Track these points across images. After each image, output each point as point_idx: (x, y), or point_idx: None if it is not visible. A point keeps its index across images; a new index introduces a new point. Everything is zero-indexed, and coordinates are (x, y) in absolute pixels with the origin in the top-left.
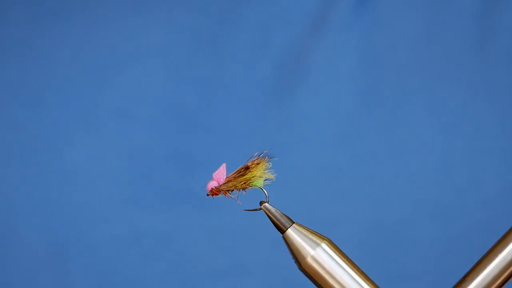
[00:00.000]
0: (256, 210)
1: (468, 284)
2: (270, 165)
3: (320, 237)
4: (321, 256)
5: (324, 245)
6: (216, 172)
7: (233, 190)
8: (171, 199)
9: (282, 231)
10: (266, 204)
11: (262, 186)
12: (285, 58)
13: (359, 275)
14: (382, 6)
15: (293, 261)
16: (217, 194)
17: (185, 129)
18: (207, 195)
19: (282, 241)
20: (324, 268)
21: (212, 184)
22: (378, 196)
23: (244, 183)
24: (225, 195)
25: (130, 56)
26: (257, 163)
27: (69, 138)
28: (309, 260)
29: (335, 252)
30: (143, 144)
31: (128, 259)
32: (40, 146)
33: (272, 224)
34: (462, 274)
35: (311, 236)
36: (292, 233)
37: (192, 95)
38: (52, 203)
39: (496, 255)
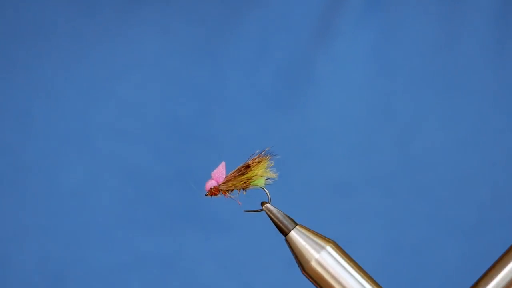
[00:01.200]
0: (257, 211)
1: None
2: (272, 164)
3: (325, 239)
4: (326, 259)
5: (329, 248)
6: (215, 171)
7: (233, 190)
8: (174, 220)
9: (284, 233)
10: (268, 205)
11: (263, 185)
12: (289, 65)
13: (366, 280)
14: (394, 9)
15: (296, 265)
16: (216, 194)
17: (186, 145)
18: (206, 195)
19: (285, 243)
20: (329, 272)
21: (211, 183)
22: (394, 215)
23: (245, 182)
24: (225, 195)
25: (123, 69)
26: (259, 162)
27: (61, 159)
28: (313, 264)
29: (341, 256)
30: (142, 162)
31: (130, 287)
32: (31, 168)
33: (274, 226)
34: None
35: (315, 238)
36: (295, 235)
37: (191, 108)
38: (47, 229)
39: (510, 260)
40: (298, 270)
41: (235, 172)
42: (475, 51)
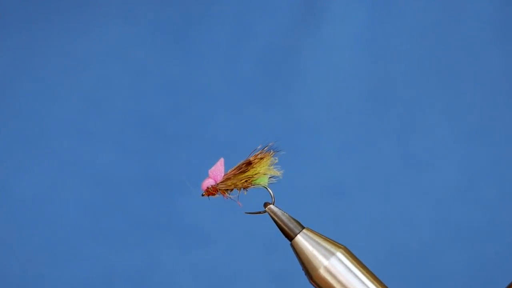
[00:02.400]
0: (259, 213)
1: None
2: (276, 160)
3: (335, 244)
4: (336, 267)
5: (339, 254)
6: (213, 168)
7: (232, 189)
8: (147, 231)
9: (290, 237)
10: (272, 206)
11: (266, 184)
12: (271, 53)
13: None
14: None
15: (303, 272)
16: (213, 194)
17: (157, 145)
18: (202, 195)
19: (291, 249)
20: (339, 281)
21: (208, 182)
22: (392, 218)
23: (246, 181)
24: (223, 195)
25: (84, 60)
26: (261, 158)
27: (18, 164)
28: (322, 272)
29: (352, 263)
30: (109, 165)
31: None
32: None
33: (279, 229)
34: None
35: (324, 243)
36: (302, 240)
37: (162, 103)
38: (5, 243)
39: None
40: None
41: (235, 169)
42: (482, 31)
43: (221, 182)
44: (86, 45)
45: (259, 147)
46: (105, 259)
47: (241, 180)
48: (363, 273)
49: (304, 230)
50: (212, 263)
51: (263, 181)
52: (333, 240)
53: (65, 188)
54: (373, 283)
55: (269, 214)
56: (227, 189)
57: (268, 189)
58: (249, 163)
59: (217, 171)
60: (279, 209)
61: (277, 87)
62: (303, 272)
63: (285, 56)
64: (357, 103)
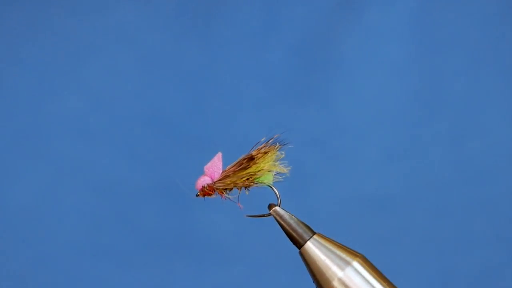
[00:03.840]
0: (263, 216)
1: None
2: (283, 155)
3: (351, 253)
4: (352, 279)
5: (356, 264)
6: (209, 164)
7: (232, 188)
8: (158, 248)
9: (299, 244)
10: (277, 208)
11: (271, 183)
12: (307, 42)
13: None
14: None
15: (313, 285)
16: (210, 195)
17: (172, 148)
18: (197, 195)
19: (300, 258)
20: None
21: (204, 180)
22: (446, 237)
23: (247, 179)
24: (221, 195)
25: (88, 48)
26: (265, 152)
27: (8, 170)
28: (336, 284)
29: (371, 273)
30: (114, 171)
31: None
32: None
33: (286, 235)
34: None
35: (338, 251)
36: (313, 247)
37: (178, 98)
38: None
39: None
40: None
41: (235, 165)
42: None
43: (218, 180)
44: (87, 29)
45: (263, 139)
46: (109, 280)
47: (242, 177)
48: (382, 285)
49: (315, 236)
50: (234, 286)
51: (268, 179)
52: (349, 248)
53: (63, 197)
54: None
55: (274, 217)
56: (226, 189)
57: (273, 188)
58: (251, 158)
59: (214, 168)
60: (286, 211)
61: (312, 82)
62: (313, 285)
63: (322, 45)
64: (405, 102)
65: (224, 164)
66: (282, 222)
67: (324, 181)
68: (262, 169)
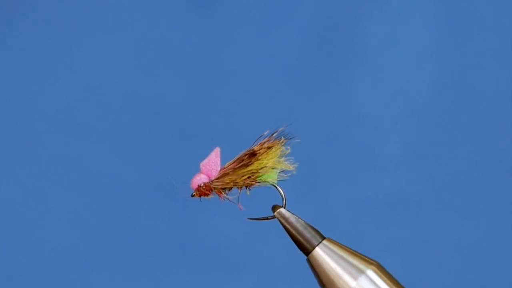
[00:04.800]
0: (266, 218)
1: None
2: (289, 150)
3: (365, 260)
4: None
5: (370, 272)
6: (206, 160)
7: (231, 188)
8: (158, 255)
9: (306, 250)
10: (282, 210)
11: (275, 182)
12: (325, 25)
13: None
14: None
15: None
16: (207, 195)
17: (173, 143)
18: (192, 195)
19: (308, 266)
20: None
21: (200, 179)
22: (477, 243)
23: (249, 177)
24: (219, 195)
25: (75, 31)
26: (268, 147)
27: None
28: None
29: (387, 283)
30: (107, 168)
31: None
32: None
33: (292, 240)
34: None
35: (351, 258)
36: (322, 254)
37: (179, 88)
38: None
39: None
40: None
41: (235, 162)
42: None
43: (216, 179)
44: (77, 10)
45: (266, 133)
46: None
47: (243, 175)
48: None
49: (324, 241)
50: None
51: (272, 177)
52: (362, 255)
53: (49, 198)
54: None
55: (279, 220)
56: (225, 188)
57: (278, 187)
58: (253, 154)
59: (212, 165)
60: (292, 213)
61: (328, 69)
62: None
63: (341, 28)
64: (432, 92)
65: (223, 160)
66: (288, 226)
67: (338, 180)
68: (265, 166)
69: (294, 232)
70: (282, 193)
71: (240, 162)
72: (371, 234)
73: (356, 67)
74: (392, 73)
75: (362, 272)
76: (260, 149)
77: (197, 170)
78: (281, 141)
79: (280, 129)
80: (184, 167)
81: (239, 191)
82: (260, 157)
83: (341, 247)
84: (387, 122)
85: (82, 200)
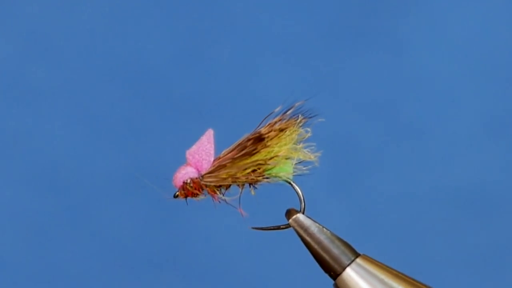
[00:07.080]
0: (279, 228)
1: None
2: (309, 134)
3: (412, 284)
4: None
5: None
6: (195, 147)
7: (229, 186)
8: (129, 271)
9: (334, 272)
10: (300, 217)
11: (291, 177)
12: None
13: None
14: None
15: None
16: (195, 195)
17: (150, 120)
18: (175, 196)
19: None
20: None
21: (186, 173)
22: None
23: (254, 171)
24: (213, 196)
25: None
26: (281, 129)
27: None
28: None
29: None
30: (64, 152)
31: None
32: None
33: (313, 258)
34: None
35: (394, 282)
36: (355, 277)
37: (164, 47)
38: None
39: None
40: None
41: (234, 150)
42: None
43: (209, 173)
44: None
45: (277, 109)
46: None
47: (246, 169)
48: None
49: (358, 260)
50: None
51: (285, 170)
52: (408, 277)
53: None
54: None
55: (295, 230)
56: (220, 186)
57: (294, 185)
58: (259, 139)
59: (202, 154)
60: (314, 221)
61: (372, 20)
62: None
63: None
64: (503, 64)
65: (218, 147)
66: (308, 238)
67: (384, 170)
68: (277, 156)
69: (316, 246)
70: (300, 192)
71: (242, 150)
72: (429, 243)
73: (408, 19)
74: (456, 26)
75: None
76: (269, 132)
77: (183, 161)
78: (298, 120)
79: (297, 103)
80: (166, 154)
81: (240, 190)
82: (269, 143)
83: (381, 267)
84: (449, 90)
85: (28, 195)
